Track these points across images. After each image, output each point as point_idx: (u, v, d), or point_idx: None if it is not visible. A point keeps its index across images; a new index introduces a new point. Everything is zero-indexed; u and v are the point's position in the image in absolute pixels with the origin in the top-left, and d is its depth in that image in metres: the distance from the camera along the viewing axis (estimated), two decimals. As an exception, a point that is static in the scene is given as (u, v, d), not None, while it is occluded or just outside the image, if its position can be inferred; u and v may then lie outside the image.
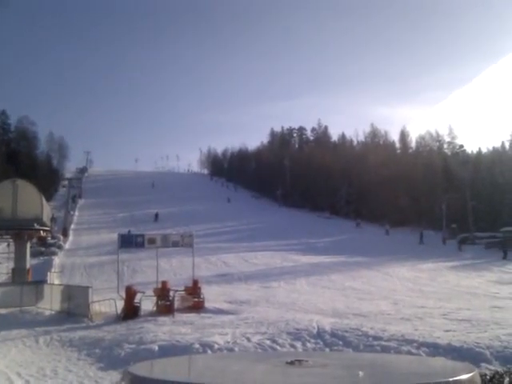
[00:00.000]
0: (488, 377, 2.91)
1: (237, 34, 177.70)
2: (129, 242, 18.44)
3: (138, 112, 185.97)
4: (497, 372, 2.98)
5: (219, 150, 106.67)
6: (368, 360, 2.53)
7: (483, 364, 7.93)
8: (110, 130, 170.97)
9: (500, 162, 63.59)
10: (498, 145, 75.90)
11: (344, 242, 41.14)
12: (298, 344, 10.84)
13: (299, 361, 1.82)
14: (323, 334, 11.49)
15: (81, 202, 62.76)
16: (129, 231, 28.37)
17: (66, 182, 76.72)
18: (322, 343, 10.95)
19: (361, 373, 1.71)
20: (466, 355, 8.74)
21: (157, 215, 49.43)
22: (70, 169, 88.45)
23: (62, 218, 48.79)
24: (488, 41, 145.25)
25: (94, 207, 57.97)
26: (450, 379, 1.42)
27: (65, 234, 41.29)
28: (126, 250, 21.30)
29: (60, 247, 35.87)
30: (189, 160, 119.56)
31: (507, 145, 74.30)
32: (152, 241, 17.99)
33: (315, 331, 11.67)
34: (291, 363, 1.80)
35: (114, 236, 20.26)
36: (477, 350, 9.19)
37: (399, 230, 50.06)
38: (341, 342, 10.82)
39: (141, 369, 1.94)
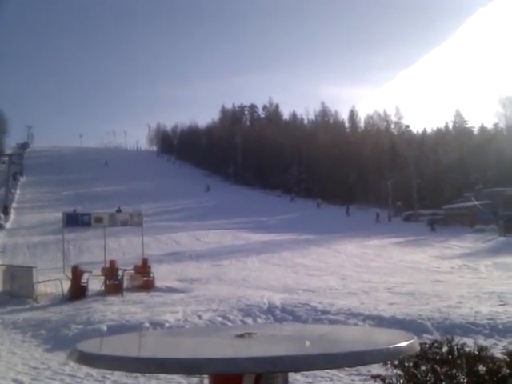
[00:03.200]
0: (427, 345, 3.02)
1: (188, 11, 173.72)
2: (74, 220, 17.92)
3: (83, 86, 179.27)
4: (435, 341, 3.11)
5: (169, 126, 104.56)
6: (315, 330, 2.61)
7: (425, 335, 8.28)
8: (53, 104, 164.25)
9: (443, 142, 66.21)
10: (441, 125, 78.99)
11: (295, 220, 41.78)
12: (249, 320, 10.97)
13: (248, 333, 1.84)
14: (273, 309, 11.67)
15: (22, 179, 60.23)
16: (74, 210, 27.52)
17: (5, 158, 73.08)
18: (272, 318, 11.12)
19: (308, 342, 1.77)
20: (409, 326, 9.11)
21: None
22: (9, 144, 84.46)
23: (2, 196, 46.63)
24: (432, 23, 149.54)
25: (36, 185, 55.76)
26: (391, 346, 1.50)
27: (5, 212, 39.67)
28: (72, 230, 20.68)
29: (1, 226, 34.45)
30: (137, 136, 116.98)
31: (450, 125, 77.41)
32: (99, 220, 17.54)
33: (266, 307, 11.83)
34: (241, 336, 1.81)
35: (59, 215, 19.61)
36: (419, 321, 9.60)
37: (351, 207, 51.29)
38: (290, 317, 11.04)
39: (89, 346, 1.88)
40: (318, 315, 10.92)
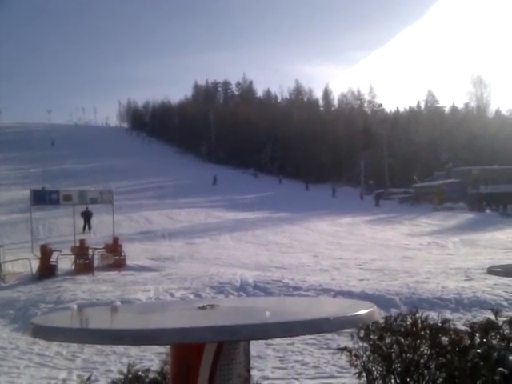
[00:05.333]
0: (393, 318, 3.06)
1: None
2: (42, 198, 17.48)
3: (52, 61, 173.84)
4: (400, 314, 3.15)
5: (140, 102, 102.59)
6: (278, 302, 2.63)
7: (393, 309, 8.44)
8: (20, 79, 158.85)
9: (415, 121, 67.04)
10: (414, 105, 79.90)
11: (269, 198, 41.90)
12: (221, 297, 11.00)
13: (211, 305, 1.85)
14: (246, 286, 11.74)
15: (-13, 156, 58.54)
16: (43, 188, 26.85)
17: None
18: (244, 295, 11.19)
19: (267, 312, 1.80)
20: (378, 301, 9.28)
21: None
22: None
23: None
24: (404, 2, 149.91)
25: (2, 162, 54.21)
26: (348, 314, 1.54)
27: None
28: (41, 208, 20.23)
29: (-33, 205, 33.43)
30: (107, 113, 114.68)
31: (423, 105, 78.36)
32: (68, 198, 17.17)
33: (238, 284, 11.90)
34: (202, 308, 1.82)
35: (27, 193, 19.12)
36: (387, 296, 9.80)
37: (321, 186, 51.69)
38: (263, 294, 11.12)
39: (45, 320, 1.83)
40: (290, 291, 11.06)
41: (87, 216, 24.57)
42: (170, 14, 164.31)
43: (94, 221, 25.16)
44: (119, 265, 15.67)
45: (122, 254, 16.31)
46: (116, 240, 16.87)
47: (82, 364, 7.32)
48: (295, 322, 1.45)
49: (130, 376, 3.47)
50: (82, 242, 16.08)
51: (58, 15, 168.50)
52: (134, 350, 7.51)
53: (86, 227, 24.57)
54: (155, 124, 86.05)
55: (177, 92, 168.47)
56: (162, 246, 21.27)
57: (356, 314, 1.52)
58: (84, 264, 15.13)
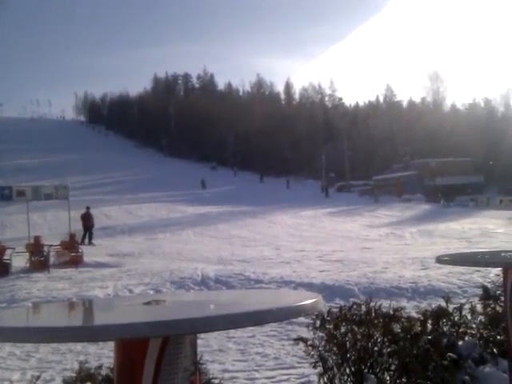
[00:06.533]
0: (347, 307, 3.08)
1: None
2: (-6, 194, 16.83)
3: (4, 52, 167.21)
4: (355, 303, 3.17)
5: (97, 95, 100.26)
6: (227, 295, 2.62)
7: (352, 299, 8.57)
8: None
9: (375, 115, 68.38)
10: (373, 99, 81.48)
11: (231, 192, 41.85)
12: (182, 292, 10.90)
13: (156, 300, 1.82)
14: (207, 280, 11.68)
15: None
16: (-5, 183, 25.87)
17: None
18: (206, 289, 11.12)
19: (212, 305, 1.81)
20: (338, 292, 9.45)
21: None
22: None
23: None
24: (359, 0, 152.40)
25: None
26: (292, 305, 1.55)
27: None
28: (-7, 204, 19.47)
29: None
30: (63, 106, 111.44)
31: (381, 99, 80.00)
32: (21, 193, 16.59)
33: (199, 279, 11.82)
34: (148, 303, 1.80)
35: (-22, 189, 18.35)
36: (347, 286, 9.95)
37: (277, 179, 52.02)
38: (224, 287, 11.08)
39: None
40: (252, 284, 11.08)
41: (87, 220, 20.17)
42: (129, 5, 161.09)
43: (49, 216, 24.46)
44: (76, 262, 15.31)
45: (79, 250, 15.95)
46: (72, 236, 16.50)
47: (37, 364, 7.09)
48: (237, 314, 1.45)
49: (81, 374, 3.37)
50: (36, 238, 15.66)
51: (8, 4, 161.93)
52: (92, 348, 7.33)
53: (86, 237, 19.93)
54: (113, 117, 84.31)
55: (136, 85, 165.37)
56: (121, 242, 20.91)
57: (300, 304, 1.54)
58: (39, 261, 14.71)
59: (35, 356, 7.34)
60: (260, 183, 49.69)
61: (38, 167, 46.19)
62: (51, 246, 15.40)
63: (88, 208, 20.87)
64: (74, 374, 3.46)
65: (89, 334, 1.46)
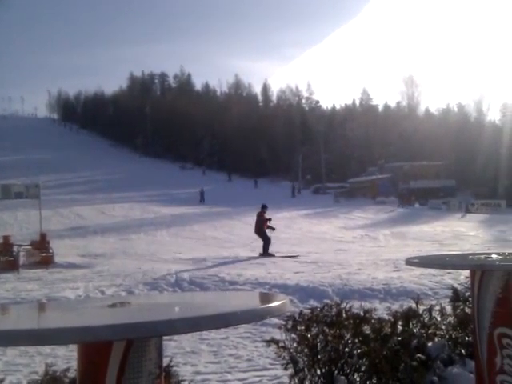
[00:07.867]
0: (319, 309, 3.08)
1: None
2: (-39, 193, 16.35)
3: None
4: (326, 304, 3.17)
5: (71, 93, 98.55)
6: (197, 297, 2.58)
7: (325, 300, 8.60)
8: None
9: (351, 118, 69.16)
10: (349, 102, 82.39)
11: (207, 192, 41.65)
12: (155, 293, 10.76)
13: (121, 303, 1.79)
14: (181, 282, 11.55)
15: None
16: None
17: None
18: (179, 291, 11.00)
19: (177, 308, 1.78)
20: (312, 293, 9.47)
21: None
22: None
23: None
24: (337, 2, 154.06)
25: None
26: (258, 307, 1.55)
27: None
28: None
29: None
30: (35, 103, 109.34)
31: (358, 102, 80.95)
32: (-10, 192, 16.19)
33: (173, 280, 11.68)
34: (112, 305, 1.76)
35: None
36: (321, 288, 9.98)
37: (263, 181, 52.16)
38: (198, 289, 10.98)
39: None
40: (226, 286, 10.99)
41: None
42: (106, 3, 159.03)
43: (20, 216, 23.93)
44: (47, 262, 15.00)
45: (50, 250, 15.64)
46: (43, 236, 16.18)
47: (4, 367, 6.88)
48: (200, 317, 1.43)
49: (47, 377, 3.28)
50: (5, 238, 15.30)
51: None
52: (61, 351, 7.17)
53: None
54: (87, 116, 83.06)
55: (111, 83, 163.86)
56: (93, 242, 20.59)
57: (265, 306, 1.52)
58: (8, 261, 14.36)
59: (2, 359, 7.14)
60: (228, 182, 50.07)
61: (8, 165, 45.06)
62: (21, 245, 15.07)
63: None
64: (38, 378, 3.37)
65: (46, 337, 1.40)
